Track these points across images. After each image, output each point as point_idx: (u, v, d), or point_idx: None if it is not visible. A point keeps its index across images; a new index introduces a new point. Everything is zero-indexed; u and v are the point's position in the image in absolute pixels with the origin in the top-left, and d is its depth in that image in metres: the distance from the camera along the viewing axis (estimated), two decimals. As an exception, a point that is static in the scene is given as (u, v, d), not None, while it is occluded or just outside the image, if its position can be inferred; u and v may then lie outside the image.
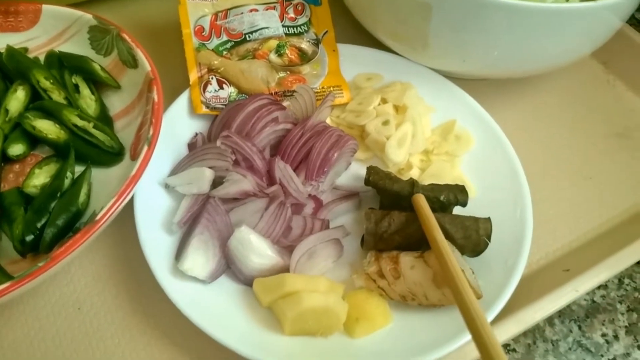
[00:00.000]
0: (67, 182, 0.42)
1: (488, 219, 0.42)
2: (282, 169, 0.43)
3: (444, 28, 0.46)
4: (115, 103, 0.49)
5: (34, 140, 0.46)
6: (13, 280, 0.33)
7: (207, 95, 0.49)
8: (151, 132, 0.41)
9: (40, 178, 0.43)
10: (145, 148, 0.40)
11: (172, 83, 0.49)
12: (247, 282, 0.40)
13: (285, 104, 0.49)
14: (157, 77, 0.44)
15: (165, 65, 0.49)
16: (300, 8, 0.54)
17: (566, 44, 0.47)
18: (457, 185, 0.44)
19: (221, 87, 0.50)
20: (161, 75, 0.45)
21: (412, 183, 0.43)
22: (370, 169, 0.44)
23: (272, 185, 0.43)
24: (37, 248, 0.39)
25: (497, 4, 0.42)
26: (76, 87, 0.48)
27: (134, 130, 0.46)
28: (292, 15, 0.54)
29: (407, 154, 0.47)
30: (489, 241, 0.41)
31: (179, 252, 0.40)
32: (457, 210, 0.44)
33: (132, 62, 0.47)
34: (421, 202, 0.42)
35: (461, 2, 0.43)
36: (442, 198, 0.42)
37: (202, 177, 0.42)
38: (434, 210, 0.41)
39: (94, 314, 0.41)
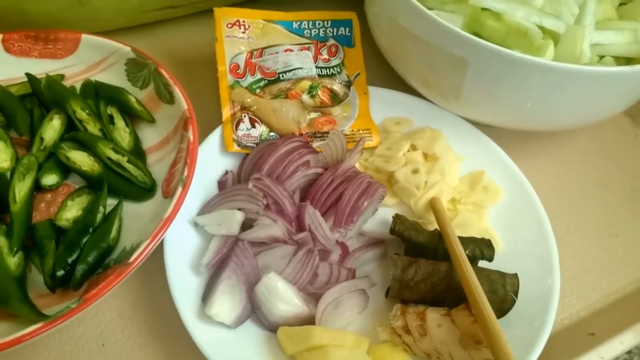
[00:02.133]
0: (99, 217, 0.42)
1: (515, 275, 0.42)
2: (312, 215, 0.43)
3: (478, 82, 0.46)
4: (148, 136, 0.49)
5: (67, 170, 0.46)
6: (46, 321, 0.34)
7: (239, 133, 0.50)
8: (186, 173, 0.41)
9: (72, 211, 0.43)
10: (180, 189, 0.40)
11: (201, 115, 0.49)
12: (272, 328, 0.40)
13: (315, 145, 0.50)
14: (193, 117, 0.45)
15: (195, 98, 0.49)
16: (334, 50, 0.55)
17: (599, 104, 0.47)
18: (483, 239, 0.44)
19: (253, 126, 0.50)
20: (195, 109, 0.46)
21: (438, 235, 0.43)
22: (396, 219, 0.44)
23: (301, 230, 0.43)
24: (66, 283, 0.39)
25: (533, 64, 0.42)
26: (111, 118, 0.49)
27: (167, 166, 0.46)
28: (325, 56, 0.54)
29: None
30: (516, 298, 0.41)
31: (206, 294, 0.40)
32: (482, 264, 0.44)
33: (168, 98, 0.48)
34: (438, 205, 0.44)
35: (497, 59, 0.43)
36: (467, 252, 0.42)
37: (232, 219, 0.42)
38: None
39: (117, 352, 0.41)
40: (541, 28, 0.47)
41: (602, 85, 0.44)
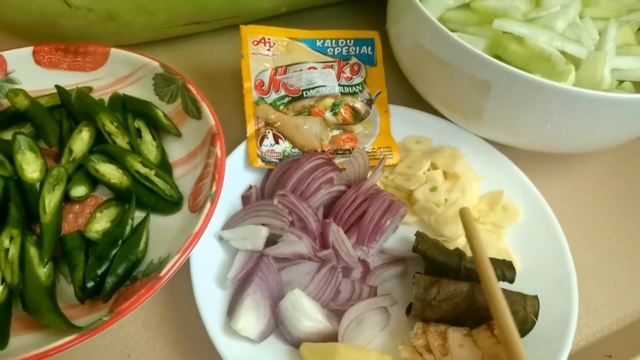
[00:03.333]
0: (127, 229, 0.43)
1: (536, 297, 0.42)
2: (336, 233, 0.44)
3: (500, 104, 0.47)
4: (175, 150, 0.50)
5: (95, 181, 0.47)
6: (79, 333, 0.34)
7: (263, 149, 0.50)
8: (214, 189, 0.42)
9: (101, 223, 0.44)
10: (209, 204, 0.41)
11: (223, 129, 0.51)
12: (294, 343, 0.41)
13: (337, 161, 0.51)
14: (220, 133, 0.46)
15: (217, 111, 0.50)
16: (356, 68, 0.56)
17: (619, 129, 0.48)
18: (504, 260, 0.44)
19: (277, 142, 0.51)
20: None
21: (460, 255, 0.44)
22: (418, 237, 0.45)
23: (324, 246, 0.44)
24: (95, 294, 0.40)
25: (554, 89, 0.43)
26: (138, 131, 0.50)
27: (193, 180, 0.47)
28: (348, 74, 0.55)
29: (461, 230, 0.47)
30: (537, 320, 0.42)
31: (231, 308, 0.41)
32: (503, 286, 0.44)
33: (195, 113, 0.49)
34: (467, 216, 0.45)
35: (520, 83, 0.44)
36: (490, 273, 0.43)
37: (257, 234, 0.43)
38: (477, 281, 0.42)
39: (143, 363, 0.42)
40: (562, 53, 0.48)
41: (621, 111, 0.45)
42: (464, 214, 0.46)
